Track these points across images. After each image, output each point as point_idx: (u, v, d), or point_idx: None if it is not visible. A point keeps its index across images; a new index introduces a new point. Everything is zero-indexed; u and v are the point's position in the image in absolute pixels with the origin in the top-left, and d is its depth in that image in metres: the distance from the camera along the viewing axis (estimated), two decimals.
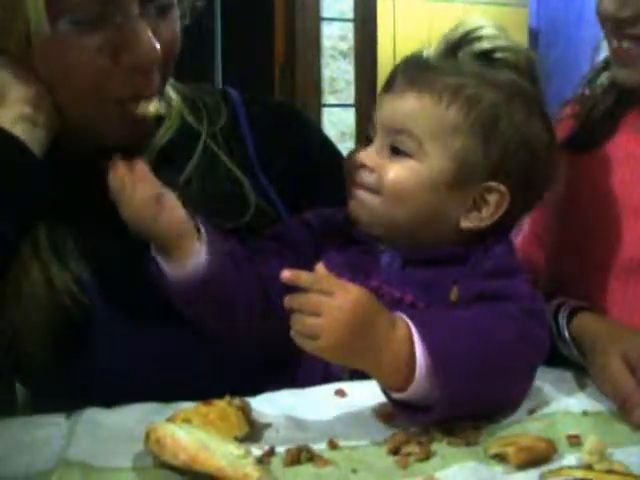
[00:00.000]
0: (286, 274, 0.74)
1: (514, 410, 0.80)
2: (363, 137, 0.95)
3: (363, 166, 0.90)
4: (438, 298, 0.88)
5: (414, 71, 0.90)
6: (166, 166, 0.95)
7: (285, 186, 1.02)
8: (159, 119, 0.95)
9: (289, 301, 0.73)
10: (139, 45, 0.82)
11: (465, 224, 0.89)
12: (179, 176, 0.96)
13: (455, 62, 0.90)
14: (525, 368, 0.81)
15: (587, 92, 1.10)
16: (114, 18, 0.81)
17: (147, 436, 0.69)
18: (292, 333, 0.73)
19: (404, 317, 0.76)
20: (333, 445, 0.72)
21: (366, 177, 0.90)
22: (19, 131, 0.82)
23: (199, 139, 0.99)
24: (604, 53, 1.06)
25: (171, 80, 0.98)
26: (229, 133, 1.01)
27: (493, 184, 0.88)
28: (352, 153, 0.93)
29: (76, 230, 0.92)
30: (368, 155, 0.90)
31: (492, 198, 0.89)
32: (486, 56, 0.90)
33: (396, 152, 0.88)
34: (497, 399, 0.79)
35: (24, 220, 0.85)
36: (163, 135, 0.97)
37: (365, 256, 0.93)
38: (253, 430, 0.76)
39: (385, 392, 0.77)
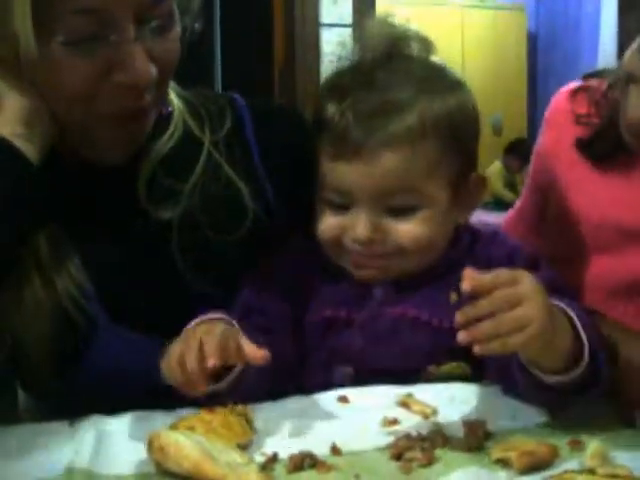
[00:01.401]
0: (467, 285, 0.70)
1: None
2: (323, 203, 0.92)
3: (370, 241, 0.88)
4: (438, 308, 0.90)
5: (368, 123, 0.86)
6: (168, 174, 0.96)
7: (290, 191, 1.02)
8: (161, 126, 0.95)
9: (475, 310, 0.69)
10: (132, 68, 0.81)
11: (462, 219, 0.94)
12: (181, 184, 0.96)
13: (386, 82, 0.89)
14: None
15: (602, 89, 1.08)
16: (108, 40, 0.80)
17: (150, 444, 0.69)
18: (488, 340, 0.69)
19: (553, 302, 0.76)
20: (336, 451, 0.72)
21: (380, 248, 0.89)
22: (15, 139, 0.82)
23: (202, 147, 0.99)
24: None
25: (173, 85, 0.98)
26: (233, 140, 1.01)
27: (473, 175, 0.93)
28: (331, 227, 0.90)
29: (76, 237, 0.92)
30: (370, 229, 0.87)
31: (475, 186, 0.93)
32: (395, 48, 0.92)
33: (395, 211, 0.88)
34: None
35: (23, 228, 0.85)
36: (166, 143, 0.96)
37: (356, 290, 0.93)
38: (256, 437, 0.76)
39: (534, 383, 0.76)
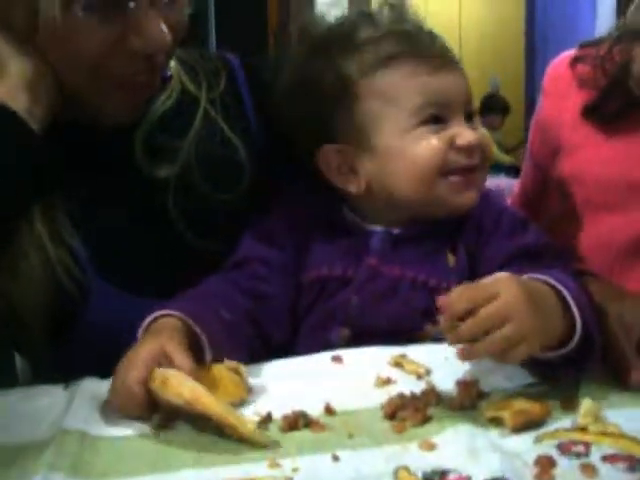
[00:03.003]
0: (442, 303, 0.70)
1: None
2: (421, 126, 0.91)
3: (479, 143, 0.91)
4: (436, 268, 0.91)
5: (437, 43, 0.93)
6: (165, 132, 0.95)
7: (285, 149, 1.01)
8: (159, 87, 0.94)
9: (464, 333, 0.69)
10: (149, 34, 0.81)
11: None
12: (178, 142, 0.96)
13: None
14: None
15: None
16: (126, 5, 0.80)
17: (152, 377, 0.70)
18: (492, 356, 0.71)
19: (542, 277, 0.76)
20: (330, 411, 0.73)
21: (479, 156, 0.91)
22: (17, 106, 0.81)
23: (198, 106, 0.99)
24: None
25: None
26: (228, 99, 1.01)
27: None
28: (438, 146, 0.90)
29: (73, 200, 0.91)
30: (480, 132, 0.93)
31: None
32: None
33: (469, 118, 0.92)
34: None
35: (23, 196, 0.84)
36: (164, 102, 0.97)
37: (353, 240, 0.93)
38: (250, 397, 0.76)
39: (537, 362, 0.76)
